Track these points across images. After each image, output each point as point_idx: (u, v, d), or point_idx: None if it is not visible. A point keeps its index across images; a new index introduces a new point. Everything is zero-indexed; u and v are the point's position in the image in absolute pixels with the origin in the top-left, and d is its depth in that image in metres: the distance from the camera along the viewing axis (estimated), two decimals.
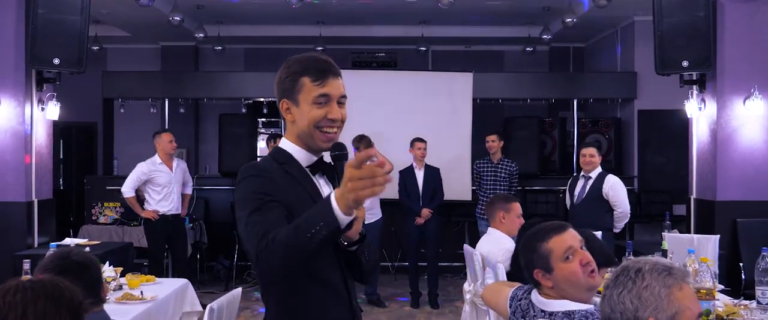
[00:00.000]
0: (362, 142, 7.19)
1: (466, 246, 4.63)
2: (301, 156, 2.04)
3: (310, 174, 2.04)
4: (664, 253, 3.77)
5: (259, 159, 10.17)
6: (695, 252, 3.68)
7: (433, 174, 7.58)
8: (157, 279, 4.63)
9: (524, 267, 2.43)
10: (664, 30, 6.38)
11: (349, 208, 1.73)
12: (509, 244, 4.33)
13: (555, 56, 12.14)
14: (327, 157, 2.07)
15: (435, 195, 7.53)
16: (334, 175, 2.03)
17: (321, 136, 1.99)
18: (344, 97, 2.03)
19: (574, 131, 10.48)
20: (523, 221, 4.43)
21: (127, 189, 6.96)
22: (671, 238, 5.11)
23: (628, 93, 10.10)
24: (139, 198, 7.25)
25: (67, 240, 6.66)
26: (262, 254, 1.78)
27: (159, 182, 7.04)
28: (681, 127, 9.33)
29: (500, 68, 12.05)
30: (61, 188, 11.92)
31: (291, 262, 1.79)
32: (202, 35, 9.99)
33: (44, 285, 1.59)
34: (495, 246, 4.34)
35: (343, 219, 1.73)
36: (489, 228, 4.54)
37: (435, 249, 7.61)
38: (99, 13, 9.46)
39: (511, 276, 3.51)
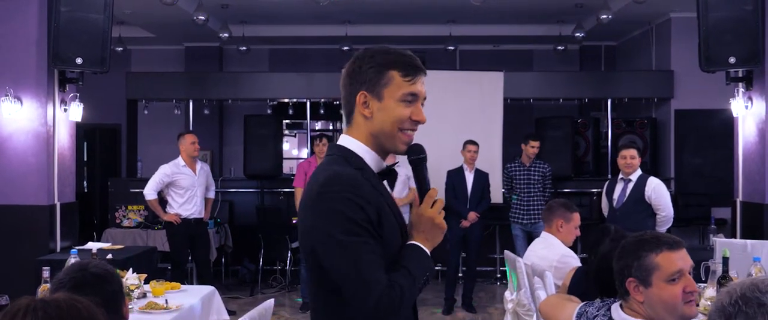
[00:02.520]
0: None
1: (508, 253, 4.37)
2: (373, 160, 1.84)
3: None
4: (726, 261, 3.49)
5: (285, 161, 10.04)
6: (761, 260, 3.40)
7: (482, 178, 7.40)
8: (182, 286, 4.43)
9: (617, 271, 2.18)
10: (710, 25, 6.07)
11: (435, 245, 1.81)
12: (564, 250, 4.08)
13: (586, 55, 11.83)
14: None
15: (482, 200, 7.36)
16: (393, 181, 1.89)
17: (402, 138, 1.82)
18: (425, 98, 1.86)
19: (608, 132, 10.16)
20: (579, 233, 4.19)
21: (150, 192, 6.79)
22: (723, 244, 4.81)
23: (664, 92, 9.77)
24: (163, 200, 7.09)
25: (90, 245, 6.49)
26: (391, 304, 1.68)
27: (182, 185, 6.86)
28: (720, 127, 9.03)
29: (529, 67, 11.77)
30: (86, 191, 11.83)
31: (404, 311, 1.76)
32: (226, 35, 9.82)
33: (59, 305, 1.37)
34: (550, 251, 4.10)
35: None
36: (543, 233, 4.29)
37: (476, 253, 7.44)
38: (123, 14, 9.33)
39: (579, 287, 3.22)
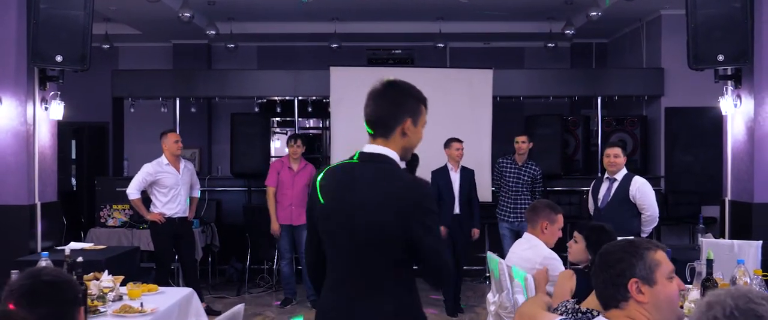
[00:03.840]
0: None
1: (490, 254, 4.30)
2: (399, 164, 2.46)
3: None
4: (710, 263, 3.43)
5: (273, 159, 9.94)
6: (745, 262, 3.34)
7: (468, 176, 7.17)
8: (160, 288, 4.34)
9: (615, 275, 2.05)
10: (699, 22, 6.01)
11: None
12: (548, 252, 4.01)
13: (577, 52, 11.77)
14: None
15: (471, 201, 7.15)
16: None
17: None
18: None
19: (598, 130, 10.10)
20: (561, 235, 4.12)
21: (133, 191, 6.71)
22: (709, 244, 4.75)
23: (654, 90, 9.71)
24: (148, 199, 7.00)
25: (72, 245, 6.39)
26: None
27: (166, 184, 6.78)
28: (710, 125, 8.98)
29: (520, 65, 11.70)
30: (74, 189, 11.73)
31: None
32: (213, 32, 9.72)
33: None
34: (533, 252, 4.02)
35: None
36: (526, 234, 4.21)
37: (466, 254, 7.27)
38: (108, 10, 9.23)
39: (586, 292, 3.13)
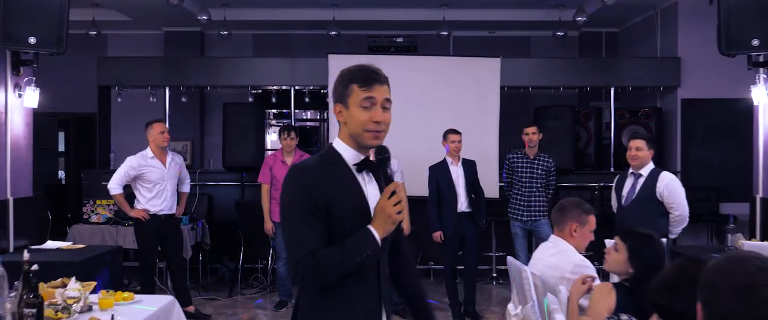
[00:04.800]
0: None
1: (511, 260, 3.78)
2: (350, 154, 2.24)
3: (355, 172, 2.22)
4: None
5: (268, 152, 9.47)
6: None
7: (471, 169, 6.56)
8: (136, 296, 3.84)
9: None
10: (731, 3, 5.51)
11: (387, 232, 2.14)
12: (578, 258, 3.49)
13: (586, 42, 11.25)
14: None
15: (477, 195, 6.56)
16: (380, 173, 2.29)
17: (369, 135, 2.20)
18: (389, 101, 2.21)
19: (611, 122, 9.60)
20: (593, 238, 3.61)
21: (114, 186, 6.19)
22: (749, 247, 4.26)
23: (670, 80, 9.20)
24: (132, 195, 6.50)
25: (49, 244, 5.91)
26: (306, 270, 2.06)
27: (150, 178, 6.27)
28: (730, 117, 8.52)
29: (526, 55, 11.17)
30: (63, 183, 11.23)
31: (331, 279, 2.11)
32: (205, 18, 9.19)
33: None
34: (561, 259, 3.50)
35: (380, 241, 2.14)
36: (553, 237, 3.69)
37: (476, 253, 6.64)
38: None
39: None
